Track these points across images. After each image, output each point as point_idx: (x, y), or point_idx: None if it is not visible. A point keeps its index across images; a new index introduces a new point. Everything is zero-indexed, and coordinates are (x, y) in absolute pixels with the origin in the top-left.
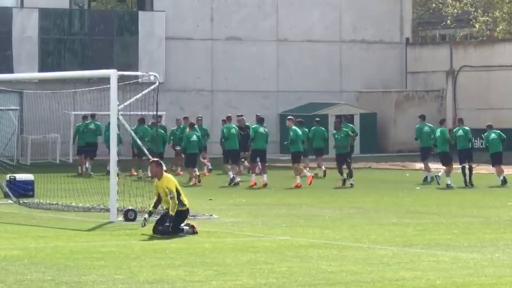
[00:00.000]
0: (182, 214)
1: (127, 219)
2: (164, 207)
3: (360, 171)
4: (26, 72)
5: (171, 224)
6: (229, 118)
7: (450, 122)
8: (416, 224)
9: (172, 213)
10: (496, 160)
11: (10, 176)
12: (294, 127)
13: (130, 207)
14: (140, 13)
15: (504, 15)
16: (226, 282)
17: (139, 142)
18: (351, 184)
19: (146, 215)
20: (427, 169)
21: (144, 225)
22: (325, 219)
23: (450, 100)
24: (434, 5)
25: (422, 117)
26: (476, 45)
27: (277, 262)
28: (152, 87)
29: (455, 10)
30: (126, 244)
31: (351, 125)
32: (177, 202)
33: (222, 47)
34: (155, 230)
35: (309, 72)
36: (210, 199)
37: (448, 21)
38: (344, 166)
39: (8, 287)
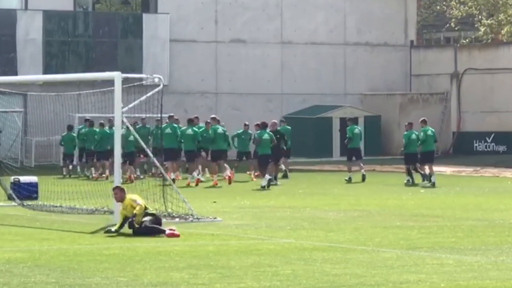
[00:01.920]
0: (154, 219)
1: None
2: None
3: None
4: (30, 74)
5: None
6: (214, 119)
7: (454, 125)
8: (420, 227)
9: (140, 218)
10: (430, 159)
11: (14, 178)
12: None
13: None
14: (144, 15)
15: (508, 18)
16: (230, 285)
17: (143, 144)
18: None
19: (113, 229)
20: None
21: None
22: (329, 222)
23: (455, 103)
24: (438, 7)
25: (410, 125)
26: (481, 48)
27: (281, 265)
28: (156, 89)
29: (460, 13)
30: (130, 247)
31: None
32: (143, 206)
33: (226, 50)
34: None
35: (313, 75)
36: (214, 202)
37: (452, 24)
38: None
39: None
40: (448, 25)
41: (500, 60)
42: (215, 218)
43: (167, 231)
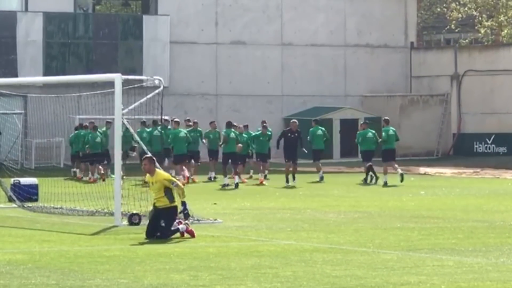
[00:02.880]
0: (175, 210)
1: (131, 223)
2: (156, 204)
3: (364, 175)
4: (31, 76)
5: (166, 221)
6: (177, 123)
7: (454, 127)
8: (421, 229)
9: (183, 199)
10: (392, 157)
11: (14, 180)
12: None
13: (134, 211)
14: (145, 17)
15: (509, 19)
16: (230, 287)
17: (143, 146)
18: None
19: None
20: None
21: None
22: (329, 224)
23: (455, 104)
24: (438, 9)
25: (386, 121)
26: (481, 50)
27: (282, 266)
28: (156, 91)
29: (460, 15)
30: (130, 248)
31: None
32: (183, 187)
33: (227, 51)
34: (148, 234)
35: (313, 76)
36: (215, 204)
37: (453, 26)
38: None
39: None
40: (448, 27)
41: (501, 61)
42: (215, 219)
43: (181, 228)
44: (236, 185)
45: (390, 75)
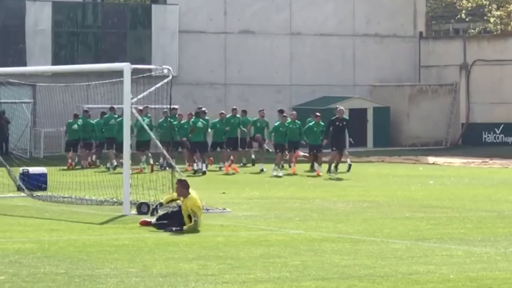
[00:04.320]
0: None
1: (140, 212)
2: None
3: (373, 165)
4: (39, 65)
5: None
6: (143, 110)
7: (463, 116)
8: (429, 218)
9: (186, 231)
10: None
11: (23, 169)
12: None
13: (143, 200)
14: (154, 6)
15: None
16: (239, 276)
17: (152, 135)
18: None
19: (158, 206)
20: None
21: (153, 214)
22: (338, 213)
23: (463, 94)
24: None
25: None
26: (490, 39)
27: (291, 256)
28: (165, 80)
29: (469, 4)
30: (139, 238)
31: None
32: (197, 228)
33: (235, 41)
34: (158, 225)
35: (322, 66)
36: (223, 193)
37: (463, 15)
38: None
39: (21, 280)
40: (458, 16)
41: (509, 51)
42: (224, 209)
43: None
44: (204, 173)
45: (399, 65)
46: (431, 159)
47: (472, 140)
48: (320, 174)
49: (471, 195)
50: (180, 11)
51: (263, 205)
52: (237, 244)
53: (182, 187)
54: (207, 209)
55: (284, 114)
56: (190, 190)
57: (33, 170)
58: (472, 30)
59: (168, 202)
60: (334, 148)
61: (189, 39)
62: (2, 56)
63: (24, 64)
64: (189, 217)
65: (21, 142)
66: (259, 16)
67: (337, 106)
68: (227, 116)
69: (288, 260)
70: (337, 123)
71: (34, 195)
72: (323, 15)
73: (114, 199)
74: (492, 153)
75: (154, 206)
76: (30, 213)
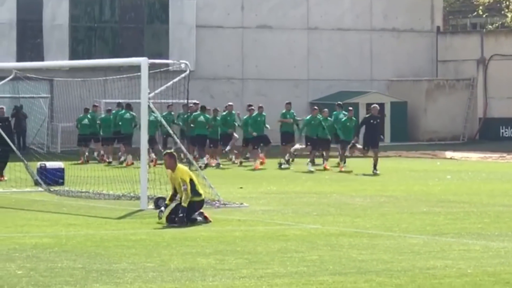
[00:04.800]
0: (195, 204)
1: (157, 207)
2: (179, 197)
3: (391, 160)
4: (57, 60)
5: (184, 214)
6: (119, 105)
7: (480, 111)
8: (447, 213)
9: (184, 204)
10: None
11: (40, 164)
12: None
13: (160, 195)
14: (171, 1)
15: None
16: (256, 271)
17: (169, 129)
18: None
19: (162, 208)
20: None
21: (160, 217)
22: (355, 208)
23: (481, 89)
24: None
25: (340, 106)
26: (507, 34)
27: (308, 250)
28: (182, 75)
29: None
30: (156, 232)
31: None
32: (190, 194)
33: (253, 35)
34: (169, 219)
35: (339, 61)
36: (241, 187)
37: (480, 11)
38: None
39: (39, 275)
40: (475, 12)
41: None
42: (241, 203)
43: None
44: (205, 166)
45: (416, 60)
46: (448, 154)
47: (490, 135)
48: (328, 168)
49: (488, 190)
50: (197, 6)
51: (280, 199)
52: (254, 238)
53: (171, 159)
54: (225, 204)
55: (315, 107)
56: (178, 164)
57: (50, 164)
58: (490, 26)
59: (170, 200)
60: (367, 147)
61: (206, 34)
62: (20, 51)
63: (42, 59)
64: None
65: (39, 136)
66: (276, 11)
67: (374, 104)
68: (254, 114)
69: (306, 255)
70: (371, 120)
71: (52, 189)
72: (341, 9)
73: (132, 194)
74: (510, 148)
75: (159, 212)
76: (47, 208)
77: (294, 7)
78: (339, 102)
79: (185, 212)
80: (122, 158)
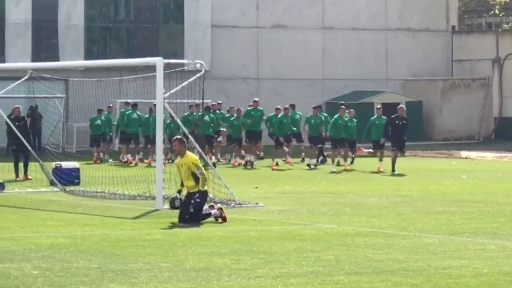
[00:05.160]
0: (205, 194)
1: (173, 207)
2: (187, 190)
3: (406, 160)
4: (72, 60)
5: (195, 204)
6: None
7: (496, 110)
8: (463, 213)
9: (202, 188)
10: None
11: (56, 164)
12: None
13: (176, 195)
14: (186, 1)
15: None
16: (272, 270)
17: (185, 129)
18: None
19: (177, 194)
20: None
21: (176, 206)
22: (371, 208)
23: (496, 88)
24: None
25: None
26: None
27: (324, 250)
28: (198, 75)
29: None
30: (172, 232)
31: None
32: (206, 175)
33: (268, 35)
34: (181, 219)
35: (354, 60)
36: (256, 187)
37: (497, 11)
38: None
39: (54, 275)
40: (492, 11)
41: None
42: (257, 203)
43: (214, 213)
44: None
45: (432, 59)
46: (464, 153)
47: (505, 134)
48: (381, 169)
49: (504, 189)
50: (212, 6)
51: (295, 199)
52: (270, 238)
53: (181, 145)
54: (240, 204)
55: (343, 107)
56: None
57: (65, 164)
58: (505, 25)
59: (183, 185)
60: (394, 148)
61: (221, 34)
62: (35, 51)
63: (57, 59)
64: (193, 174)
65: (54, 137)
66: (292, 11)
67: (400, 105)
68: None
69: (321, 255)
70: (397, 121)
71: (67, 189)
72: (356, 9)
73: (147, 194)
74: None
75: (175, 199)
76: (63, 208)
77: (309, 6)
78: (342, 102)
79: (200, 198)
80: (125, 159)
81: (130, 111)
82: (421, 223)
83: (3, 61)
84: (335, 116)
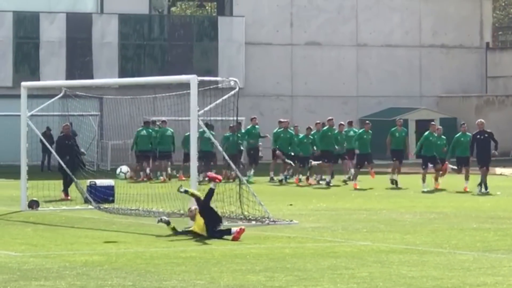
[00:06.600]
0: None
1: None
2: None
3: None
4: (106, 77)
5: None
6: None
7: None
8: (497, 229)
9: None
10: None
11: (90, 182)
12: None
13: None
14: (220, 18)
15: None
16: None
17: (219, 147)
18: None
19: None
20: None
21: (162, 220)
22: (405, 224)
23: None
24: None
25: (350, 123)
26: None
27: (358, 267)
28: (232, 92)
29: None
30: (206, 249)
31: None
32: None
33: (302, 52)
34: (209, 231)
35: (388, 77)
36: (291, 205)
37: None
38: None
39: None
40: None
41: None
42: (291, 220)
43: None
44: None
45: (466, 76)
46: (498, 170)
47: None
48: (468, 189)
49: None
50: (246, 23)
51: (330, 216)
52: (304, 255)
53: (190, 213)
54: (274, 221)
55: (433, 123)
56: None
57: (100, 182)
58: None
59: (192, 194)
60: (480, 165)
61: (255, 51)
62: (70, 68)
63: (91, 77)
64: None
65: (88, 154)
66: (325, 28)
67: (480, 120)
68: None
69: (356, 272)
70: (478, 136)
71: (101, 207)
72: (389, 26)
73: (182, 211)
74: None
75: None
76: (97, 225)
77: (343, 23)
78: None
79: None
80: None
81: (140, 128)
82: (456, 240)
83: (38, 79)
84: (360, 131)
